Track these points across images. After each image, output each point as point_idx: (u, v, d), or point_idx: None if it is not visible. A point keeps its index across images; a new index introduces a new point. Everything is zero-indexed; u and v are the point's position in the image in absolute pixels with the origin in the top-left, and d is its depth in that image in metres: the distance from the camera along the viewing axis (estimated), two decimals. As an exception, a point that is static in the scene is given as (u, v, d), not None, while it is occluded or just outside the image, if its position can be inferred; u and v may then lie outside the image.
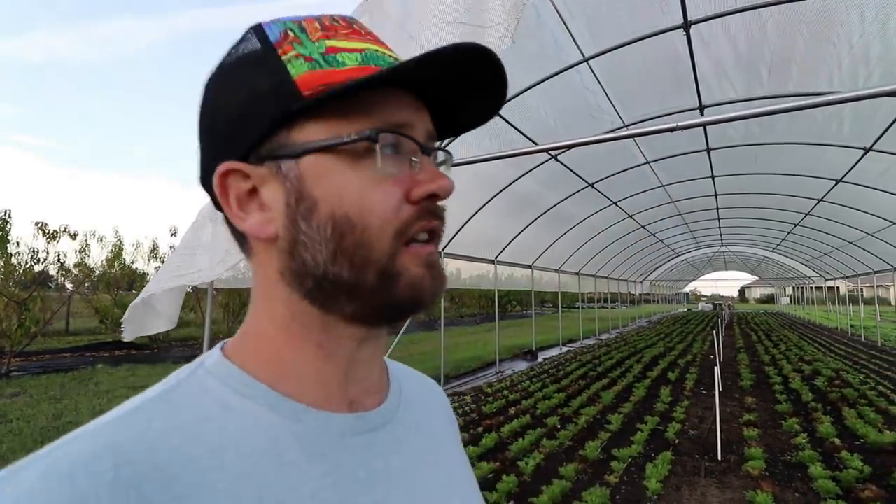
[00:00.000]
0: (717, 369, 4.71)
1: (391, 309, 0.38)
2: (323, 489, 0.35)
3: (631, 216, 10.86)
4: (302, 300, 0.38)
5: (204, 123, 0.39)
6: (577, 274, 13.55)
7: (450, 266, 8.48)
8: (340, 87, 0.34)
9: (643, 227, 12.51)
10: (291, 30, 0.37)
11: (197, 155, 0.41)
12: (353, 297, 0.37)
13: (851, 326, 18.84)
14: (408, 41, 1.70)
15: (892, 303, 39.06)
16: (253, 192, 0.38)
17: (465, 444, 4.47)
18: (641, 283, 24.24)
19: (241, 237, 0.40)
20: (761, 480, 3.73)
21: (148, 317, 2.95)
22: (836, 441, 4.58)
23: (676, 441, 4.74)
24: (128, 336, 2.90)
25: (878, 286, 14.37)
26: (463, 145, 4.39)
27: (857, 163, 6.36)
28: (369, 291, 0.37)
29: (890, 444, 4.47)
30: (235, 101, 0.37)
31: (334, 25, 0.38)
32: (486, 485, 3.63)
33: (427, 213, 0.38)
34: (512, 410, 5.81)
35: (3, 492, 0.27)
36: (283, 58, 0.36)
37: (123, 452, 0.30)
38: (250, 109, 0.36)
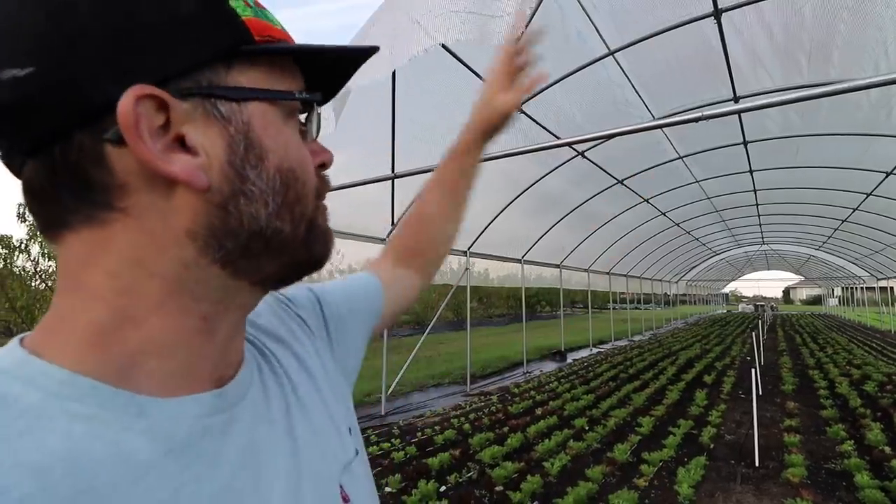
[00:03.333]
0: (754, 370, 4.50)
1: (308, 263, 0.39)
2: (187, 484, 0.31)
3: (664, 213, 10.54)
4: (210, 265, 0.33)
5: (58, 16, 0.28)
6: (607, 273, 13.25)
7: (477, 265, 8.47)
8: (297, 47, 0.36)
9: (677, 224, 12.12)
10: None
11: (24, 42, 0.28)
12: (279, 255, 0.36)
13: (907, 329, 17.60)
14: (412, 26, 1.72)
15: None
16: (163, 128, 0.30)
17: (491, 443, 4.46)
18: (677, 283, 23.46)
19: (93, 195, 0.30)
20: (802, 489, 3.54)
21: None
22: (887, 449, 4.30)
23: (711, 446, 4.56)
24: None
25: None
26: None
27: (910, 153, 5.96)
28: (298, 246, 0.37)
29: (948, 454, 4.16)
30: (140, 11, 0.29)
31: None
32: (511, 484, 3.60)
33: (325, 179, 0.41)
34: (539, 411, 5.74)
35: None
36: None
37: None
38: (178, 30, 0.30)
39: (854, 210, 9.88)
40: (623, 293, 17.31)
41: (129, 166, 0.30)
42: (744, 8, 3.48)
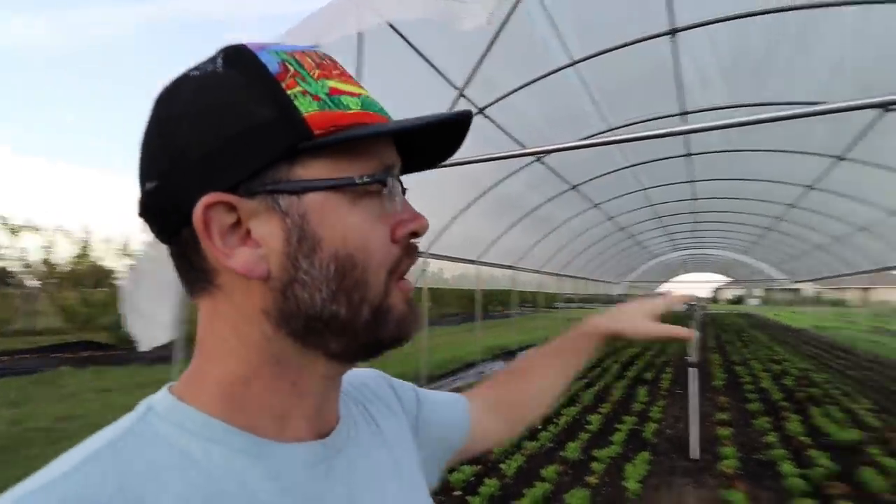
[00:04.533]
0: (691, 370, 4.80)
1: (377, 345, 0.40)
2: None
3: (611, 218, 11.01)
4: (285, 338, 0.37)
5: (168, 144, 0.35)
6: (557, 275, 13.68)
7: (433, 266, 8.45)
8: (359, 132, 0.37)
9: (622, 229, 12.70)
10: (290, 63, 0.37)
11: (138, 177, 0.38)
12: (342, 335, 0.38)
13: (816, 327, 19.59)
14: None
15: (857, 305, 40.84)
16: (235, 226, 0.36)
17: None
18: (619, 283, 24.67)
19: (200, 273, 0.37)
20: (735, 479, 3.83)
21: (153, 327, 2.93)
22: (805, 439, 4.75)
23: (654, 441, 4.83)
24: (144, 347, 2.91)
25: (842, 288, 14.97)
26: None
27: (828, 171, 6.59)
28: (362, 328, 0.38)
29: (854, 442, 4.66)
30: (223, 128, 0.34)
31: (324, 63, 0.39)
32: (469, 488, 3.62)
33: (412, 250, 0.41)
34: (493, 411, 5.83)
35: None
36: (289, 92, 0.35)
37: None
38: (246, 139, 0.34)
39: (778, 219, 10.80)
40: (571, 294, 17.96)
41: (214, 256, 0.36)
42: (697, 29, 3.68)
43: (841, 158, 6.06)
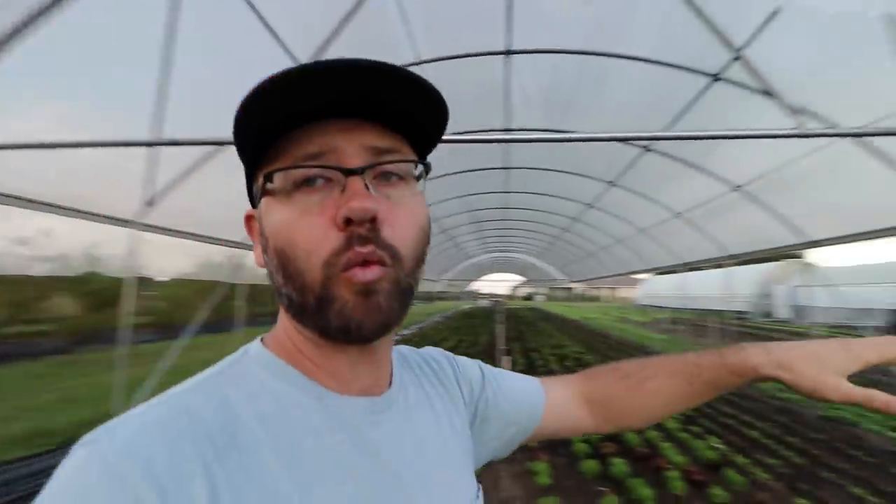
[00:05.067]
0: (504, 358, 5.41)
1: (329, 332, 0.43)
2: (339, 454, 0.43)
3: (437, 220, 11.69)
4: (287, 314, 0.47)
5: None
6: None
7: (252, 260, 7.58)
8: (246, 124, 0.42)
9: (445, 231, 13.63)
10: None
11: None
12: (304, 317, 0.44)
13: (583, 318, 24.44)
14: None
15: (609, 300, 52.41)
16: (254, 227, 0.49)
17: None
18: (437, 281, 26.43)
19: None
20: (538, 451, 4.43)
21: None
22: (584, 410, 5.81)
23: (474, 425, 5.27)
24: None
25: (599, 287, 19.00)
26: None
27: (602, 193, 8.25)
28: (312, 314, 0.43)
29: (616, 408, 5.91)
30: (242, 152, 0.47)
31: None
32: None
33: (353, 239, 0.40)
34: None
35: (110, 439, 0.35)
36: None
37: (196, 413, 0.39)
38: (244, 158, 0.47)
39: (564, 231, 13.09)
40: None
41: None
42: (526, 55, 4.14)
43: (612, 184, 7.66)
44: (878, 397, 0.54)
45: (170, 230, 4.53)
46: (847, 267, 20.74)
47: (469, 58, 4.19)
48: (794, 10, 2.99)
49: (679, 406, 0.67)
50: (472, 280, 43.47)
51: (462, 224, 13.52)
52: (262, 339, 0.49)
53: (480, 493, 0.56)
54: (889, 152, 3.84)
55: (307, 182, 0.42)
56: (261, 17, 3.19)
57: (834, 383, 0.56)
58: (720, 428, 5.39)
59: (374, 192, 0.42)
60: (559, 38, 3.94)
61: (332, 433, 0.43)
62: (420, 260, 0.46)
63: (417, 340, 13.37)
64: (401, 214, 0.43)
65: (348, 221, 0.40)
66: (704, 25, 2.44)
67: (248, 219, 0.49)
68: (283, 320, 0.47)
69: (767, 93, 3.36)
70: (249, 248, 6.58)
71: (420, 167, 0.48)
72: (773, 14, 3.02)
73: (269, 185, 0.43)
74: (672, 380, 0.66)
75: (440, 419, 0.55)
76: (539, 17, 3.67)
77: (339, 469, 0.42)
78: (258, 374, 0.45)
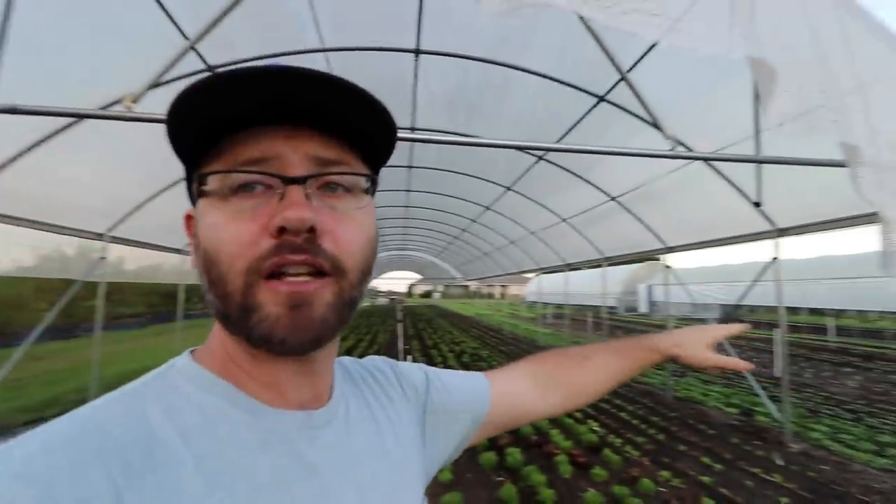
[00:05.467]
0: (408, 357, 5.41)
1: (253, 342, 0.41)
2: (272, 471, 0.41)
3: (336, 216, 11.30)
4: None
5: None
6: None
7: (113, 254, 6.55)
8: (178, 117, 0.40)
9: (345, 227, 13.23)
10: None
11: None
12: (231, 326, 0.41)
13: (478, 314, 25.51)
14: None
15: (500, 297, 55.38)
16: (192, 228, 0.45)
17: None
18: (334, 279, 25.59)
19: None
20: (440, 447, 4.50)
21: None
22: (481, 404, 6.06)
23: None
24: None
25: (492, 285, 20.04)
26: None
27: (500, 197, 8.68)
28: (235, 322, 0.40)
29: (510, 400, 6.26)
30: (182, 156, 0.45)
31: None
32: None
33: (284, 247, 0.39)
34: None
35: (5, 461, 0.32)
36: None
37: (108, 431, 0.36)
38: (181, 157, 0.45)
39: (463, 231, 13.52)
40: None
41: None
42: (435, 56, 4.16)
43: (509, 189, 8.10)
44: (739, 363, 0.80)
45: (2, 216, 3.72)
46: (692, 268, 24.62)
47: (377, 52, 4.09)
48: (666, 47, 3.44)
49: (617, 379, 0.80)
50: (371, 278, 42.82)
51: (362, 221, 13.24)
52: (191, 352, 0.47)
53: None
54: (730, 175, 4.62)
55: (245, 187, 0.40)
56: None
57: (709, 355, 0.80)
58: (597, 412, 6.01)
59: (316, 202, 0.41)
60: (467, 44, 4.04)
61: (264, 450, 0.41)
62: (366, 273, 0.45)
63: (312, 342, 12.75)
64: (345, 226, 0.42)
65: (282, 230, 0.38)
66: (597, 47, 2.68)
67: (188, 218, 0.46)
68: (218, 329, 0.45)
69: (643, 118, 3.82)
70: (114, 240, 5.67)
71: (368, 181, 0.46)
72: (652, 47, 3.43)
73: (204, 187, 0.41)
74: (610, 358, 0.80)
75: (383, 432, 0.53)
76: (448, 22, 3.72)
77: (271, 487, 0.40)
78: (183, 387, 0.42)
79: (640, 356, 0.81)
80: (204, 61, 3.61)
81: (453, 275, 27.39)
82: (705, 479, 3.94)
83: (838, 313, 18.22)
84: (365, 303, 47.04)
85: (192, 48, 3.29)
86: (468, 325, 19.81)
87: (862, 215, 3.90)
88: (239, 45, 3.60)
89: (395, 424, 0.56)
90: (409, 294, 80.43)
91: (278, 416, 0.44)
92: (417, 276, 49.69)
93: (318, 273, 0.40)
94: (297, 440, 0.44)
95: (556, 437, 4.80)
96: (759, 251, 4.95)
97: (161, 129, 0.45)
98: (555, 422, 5.42)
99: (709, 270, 22.52)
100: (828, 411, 6.35)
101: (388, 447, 0.52)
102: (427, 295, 71.80)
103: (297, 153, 0.41)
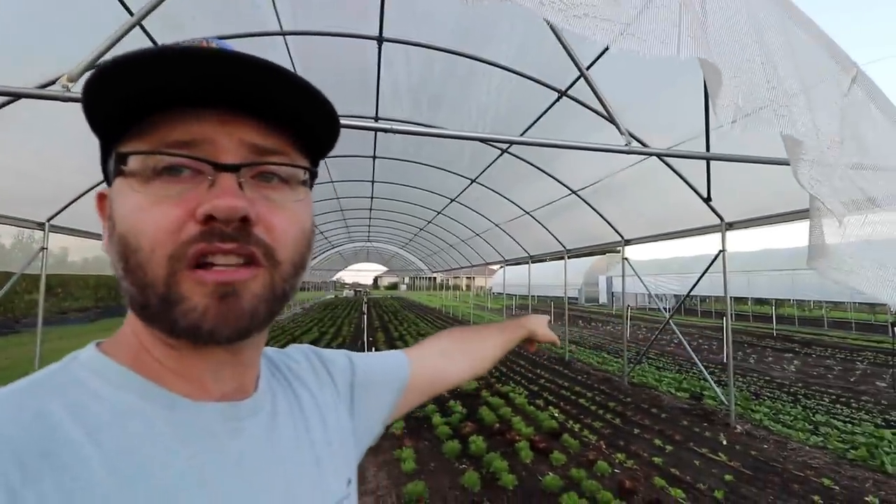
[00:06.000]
0: (373, 349, 5.39)
1: (177, 335, 0.38)
2: (192, 468, 0.38)
3: (298, 206, 11.03)
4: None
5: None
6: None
7: (55, 244, 6.16)
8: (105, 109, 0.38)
9: (308, 218, 12.93)
10: None
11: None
12: (150, 317, 0.39)
13: (444, 306, 25.63)
14: None
15: (466, 289, 55.75)
16: (105, 209, 0.42)
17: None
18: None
19: None
20: (403, 438, 4.53)
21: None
22: (445, 393, 6.12)
23: (337, 420, 5.13)
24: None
25: (459, 277, 20.19)
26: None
27: (465, 189, 8.71)
28: (155, 314, 0.38)
29: (473, 390, 6.35)
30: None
31: None
32: None
33: (212, 234, 0.37)
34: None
35: None
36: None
37: None
38: (95, 130, 0.41)
39: (428, 222, 13.50)
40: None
41: None
42: (399, 45, 4.11)
43: (474, 181, 8.14)
44: (556, 338, 1.05)
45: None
46: (647, 260, 25.64)
47: (339, 37, 3.99)
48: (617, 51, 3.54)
49: (503, 349, 0.96)
50: (335, 270, 42.15)
51: (327, 211, 12.97)
52: (97, 344, 0.43)
53: (354, 491, 0.55)
54: (683, 171, 4.82)
55: (171, 170, 0.37)
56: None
57: (546, 331, 1.03)
58: (558, 399, 6.19)
59: (250, 192, 0.39)
60: (431, 34, 4.00)
61: (183, 445, 0.39)
62: (300, 266, 0.43)
63: (276, 334, 12.47)
64: (280, 217, 0.41)
65: (209, 219, 0.36)
66: (558, 42, 2.73)
67: (101, 198, 0.43)
68: (131, 319, 0.42)
69: (601, 114, 3.91)
70: (55, 229, 5.32)
71: (307, 173, 0.44)
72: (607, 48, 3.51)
73: (123, 167, 0.38)
74: (498, 333, 0.97)
75: (310, 420, 0.53)
76: (412, 10, 3.68)
77: (192, 483, 0.38)
78: (89, 382, 0.38)
79: (515, 332, 1.00)
80: (152, 40, 3.41)
81: (419, 267, 27.37)
82: (657, 459, 4.14)
83: (780, 303, 19.48)
84: (329, 295, 46.32)
85: (139, 25, 3.13)
86: (434, 317, 19.88)
87: (803, 210, 4.17)
88: (189, 25, 3.43)
89: (322, 410, 0.55)
90: (376, 286, 79.81)
91: (198, 409, 0.41)
92: (383, 269, 49.31)
93: (248, 262, 0.38)
94: (220, 433, 0.41)
95: (517, 424, 4.91)
96: (710, 244, 5.22)
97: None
98: (517, 410, 5.54)
99: (663, 263, 23.53)
100: (769, 394, 6.81)
101: (315, 435, 0.52)
102: (393, 287, 71.45)
103: (231, 139, 0.39)
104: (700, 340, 12.95)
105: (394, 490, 3.51)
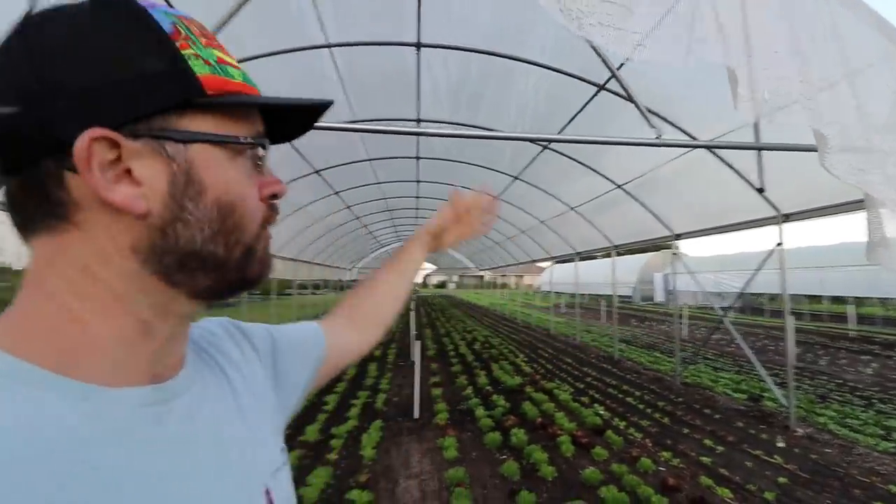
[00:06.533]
0: (417, 343, 5.59)
1: (242, 282, 0.44)
2: (119, 461, 0.35)
3: (349, 207, 11.48)
4: (149, 276, 0.39)
5: (42, 74, 0.35)
6: (293, 260, 13.29)
7: None
8: (250, 99, 0.43)
9: (357, 218, 13.42)
10: (180, 27, 0.40)
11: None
12: (214, 272, 0.42)
13: (491, 304, 25.63)
14: None
15: (514, 287, 55.28)
16: (113, 163, 0.37)
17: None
18: (350, 270, 25.92)
19: (54, 208, 0.37)
20: (447, 428, 4.68)
21: None
22: (489, 388, 6.22)
23: (384, 409, 5.38)
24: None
25: (507, 275, 20.10)
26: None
27: (508, 186, 8.74)
28: (233, 267, 0.43)
29: (517, 386, 6.40)
30: (114, 69, 0.36)
31: (206, 34, 0.43)
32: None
33: (274, 208, 0.48)
34: (221, 409, 5.25)
35: None
36: (184, 52, 0.39)
37: None
38: (138, 84, 0.37)
39: (474, 220, 13.59)
40: (305, 280, 17.75)
41: (84, 190, 0.36)
42: (437, 49, 4.26)
43: (516, 178, 8.16)
44: (485, 195, 1.00)
45: None
46: (708, 257, 24.25)
47: (380, 46, 4.20)
48: (637, 62, 3.48)
49: (403, 287, 0.92)
50: (385, 269, 43.22)
51: (376, 212, 13.42)
52: None
53: (286, 462, 0.55)
54: (733, 161, 4.62)
55: (242, 152, 0.43)
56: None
57: (463, 199, 0.97)
58: (604, 397, 6.11)
59: None
60: (467, 36, 4.12)
61: (107, 441, 0.35)
62: None
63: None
64: None
65: (274, 197, 0.47)
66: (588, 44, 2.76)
67: (95, 142, 0.35)
68: (68, 299, 0.37)
69: (641, 106, 3.85)
70: None
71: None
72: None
73: (231, 140, 0.42)
74: (389, 274, 0.91)
75: (239, 393, 0.52)
76: (447, 15, 3.81)
77: (122, 479, 0.35)
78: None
79: (412, 250, 0.94)
80: (215, 60, 3.78)
81: (466, 264, 27.53)
82: (705, 459, 4.03)
83: (860, 301, 17.81)
84: (380, 293, 47.47)
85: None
86: (481, 315, 19.96)
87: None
88: (247, 44, 3.75)
89: (249, 382, 0.54)
90: (424, 284, 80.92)
91: (119, 397, 0.37)
92: (432, 267, 49.93)
93: None
94: (147, 418, 0.38)
95: (560, 419, 4.93)
96: (775, 238, 4.93)
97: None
98: (560, 406, 5.54)
99: (727, 259, 22.18)
100: (838, 397, 6.33)
101: (246, 408, 0.51)
102: (442, 285, 72.10)
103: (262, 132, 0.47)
104: (766, 341, 12.16)
105: (436, 475, 3.67)
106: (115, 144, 0.36)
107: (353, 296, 0.87)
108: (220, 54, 0.42)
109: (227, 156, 0.42)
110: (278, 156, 6.45)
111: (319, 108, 0.48)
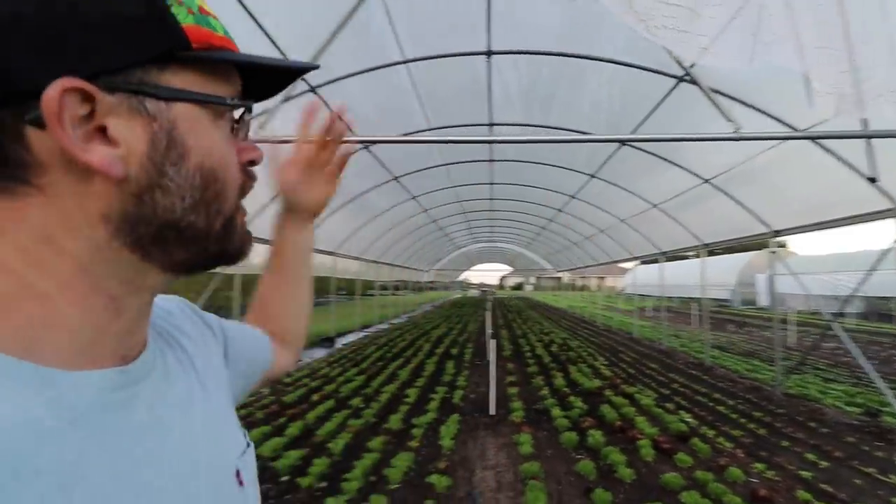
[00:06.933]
0: (493, 342, 5.73)
1: (221, 256, 0.41)
2: (89, 452, 0.32)
3: (426, 210, 11.94)
4: (120, 248, 0.35)
5: (22, 8, 0.30)
6: (375, 262, 14.08)
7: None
8: (234, 56, 0.39)
9: (435, 221, 13.88)
10: None
11: None
12: (193, 244, 0.38)
13: (570, 306, 24.90)
14: None
15: (595, 289, 53.12)
16: (86, 119, 0.32)
17: (269, 436, 4.29)
18: (427, 271, 26.70)
19: (10, 170, 0.31)
20: (522, 426, 4.77)
21: None
22: (566, 389, 6.18)
23: (461, 404, 5.59)
24: None
25: (586, 276, 19.41)
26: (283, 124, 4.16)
27: (585, 185, 8.56)
28: (213, 239, 0.39)
29: (596, 388, 6.28)
30: (86, 7, 0.31)
31: None
32: (297, 471, 3.60)
33: (252, 176, 0.44)
34: (315, 397, 5.80)
35: None
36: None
37: None
38: (113, 31, 0.32)
39: (550, 221, 13.42)
40: (385, 281, 18.65)
41: (48, 148, 0.31)
42: (506, 55, 4.39)
43: (593, 176, 7.97)
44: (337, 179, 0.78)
45: None
46: (825, 255, 21.50)
47: (452, 57, 4.43)
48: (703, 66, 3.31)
49: (295, 288, 0.79)
50: (461, 270, 43.84)
51: (451, 214, 13.77)
52: None
53: (250, 444, 0.52)
54: (836, 149, 4.19)
55: (223, 114, 0.40)
56: (260, 26, 3.38)
57: (311, 193, 0.75)
58: (691, 404, 5.78)
59: None
60: (536, 40, 4.20)
61: (73, 429, 0.31)
62: None
63: (410, 328, 13.66)
64: None
65: (252, 163, 0.44)
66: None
67: (66, 94, 0.30)
68: (31, 273, 0.32)
69: (727, 95, 3.66)
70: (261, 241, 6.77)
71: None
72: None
73: (217, 100, 0.38)
74: (268, 276, 0.77)
75: (201, 373, 0.48)
76: (515, 22, 3.93)
77: (94, 468, 0.31)
78: None
79: (284, 238, 0.77)
80: (307, 83, 4.24)
81: (543, 266, 27.05)
82: (805, 474, 3.70)
83: None
84: (456, 294, 48.21)
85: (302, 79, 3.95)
86: (559, 317, 19.53)
87: None
88: (334, 66, 4.18)
89: (207, 361, 0.51)
90: (501, 286, 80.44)
91: (82, 381, 0.33)
92: (508, 268, 49.58)
93: None
94: (115, 404, 0.35)
95: (641, 423, 4.78)
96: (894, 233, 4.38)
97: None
98: (642, 410, 5.36)
99: (845, 257, 19.50)
100: None
101: (208, 386, 0.48)
102: (518, 287, 71.22)
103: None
104: (893, 351, 10.59)
105: (511, 468, 3.79)
106: (88, 97, 0.31)
107: (258, 304, 0.77)
108: (201, 3, 0.38)
109: (209, 117, 0.38)
110: (360, 165, 6.98)
111: (300, 71, 0.45)
